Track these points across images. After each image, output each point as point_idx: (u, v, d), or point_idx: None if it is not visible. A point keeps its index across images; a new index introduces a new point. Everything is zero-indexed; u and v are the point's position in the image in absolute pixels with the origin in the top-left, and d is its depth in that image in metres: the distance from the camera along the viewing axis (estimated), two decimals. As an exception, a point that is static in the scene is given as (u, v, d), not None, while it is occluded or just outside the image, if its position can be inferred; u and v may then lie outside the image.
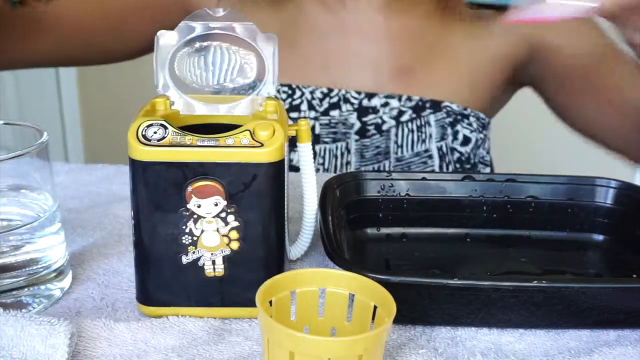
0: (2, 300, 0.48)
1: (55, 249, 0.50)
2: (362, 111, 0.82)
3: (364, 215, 0.60)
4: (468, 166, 0.83)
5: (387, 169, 0.82)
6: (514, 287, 0.45)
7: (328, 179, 0.58)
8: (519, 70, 0.85)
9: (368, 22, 0.84)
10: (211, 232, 0.46)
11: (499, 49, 0.84)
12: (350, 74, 0.83)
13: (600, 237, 0.60)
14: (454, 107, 0.82)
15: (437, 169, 0.81)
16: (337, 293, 0.43)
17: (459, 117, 0.82)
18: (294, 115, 0.81)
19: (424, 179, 0.60)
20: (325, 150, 0.81)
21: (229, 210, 0.46)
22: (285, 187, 0.48)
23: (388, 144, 0.82)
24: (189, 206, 0.45)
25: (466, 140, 0.82)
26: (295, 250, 0.55)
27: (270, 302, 0.42)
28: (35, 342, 0.42)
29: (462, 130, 0.82)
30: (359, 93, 0.82)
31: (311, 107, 0.82)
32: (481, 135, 0.84)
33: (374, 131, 0.82)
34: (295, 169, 0.58)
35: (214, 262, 0.47)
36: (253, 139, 0.45)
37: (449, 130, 0.81)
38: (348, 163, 0.82)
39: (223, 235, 0.46)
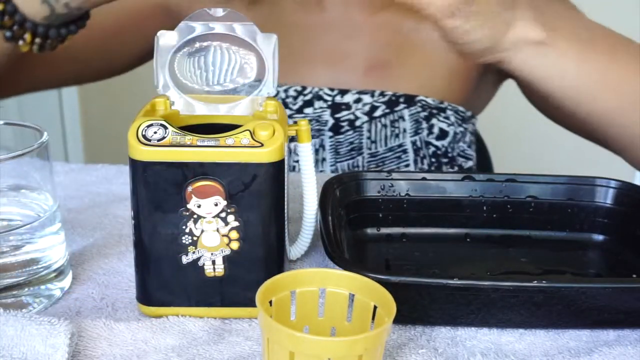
0: (2, 300, 0.48)
1: (56, 249, 0.50)
2: (335, 108, 0.82)
3: (364, 215, 0.60)
4: (445, 160, 0.83)
5: (360, 164, 0.82)
6: (514, 287, 0.45)
7: (328, 179, 0.58)
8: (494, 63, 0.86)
9: (342, 18, 0.84)
10: (211, 232, 0.46)
11: None
12: (323, 71, 0.84)
13: (600, 237, 0.60)
14: (429, 101, 0.82)
15: (411, 163, 0.82)
16: (337, 293, 0.43)
17: (434, 111, 0.82)
18: None
19: (424, 179, 0.60)
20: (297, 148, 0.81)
21: (229, 210, 0.46)
22: (285, 187, 0.48)
23: (361, 139, 0.82)
24: (189, 206, 0.45)
25: (443, 134, 0.82)
26: (295, 250, 0.55)
27: (270, 302, 0.42)
28: (35, 342, 0.42)
29: (438, 124, 0.82)
30: (332, 90, 0.82)
31: (285, 105, 0.82)
32: (460, 129, 0.84)
33: (347, 127, 0.82)
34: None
35: (214, 262, 0.47)
36: (253, 139, 0.45)
37: (424, 125, 0.81)
38: (323, 160, 0.83)
39: (223, 235, 0.46)
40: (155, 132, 0.45)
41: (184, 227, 0.46)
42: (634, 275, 0.55)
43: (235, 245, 0.47)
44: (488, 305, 0.47)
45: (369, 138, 0.82)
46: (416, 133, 0.81)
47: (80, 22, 0.63)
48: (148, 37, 0.57)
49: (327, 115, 0.82)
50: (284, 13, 0.85)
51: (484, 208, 0.60)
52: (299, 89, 0.83)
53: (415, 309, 0.47)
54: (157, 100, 0.49)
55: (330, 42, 0.85)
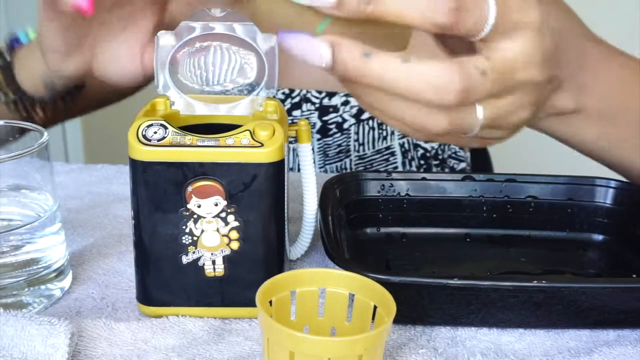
0: (2, 300, 0.48)
1: (56, 248, 0.50)
2: (322, 110, 0.82)
3: (364, 215, 0.60)
4: (436, 162, 0.83)
5: (348, 167, 0.82)
6: (514, 287, 0.45)
7: (328, 179, 0.58)
8: None
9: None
10: (211, 232, 0.46)
11: None
12: (311, 74, 0.83)
13: (600, 237, 0.60)
14: None
15: (400, 165, 0.82)
16: (337, 293, 0.43)
17: None
18: None
19: (424, 179, 0.60)
20: (292, 150, 0.81)
21: (229, 210, 0.46)
22: (285, 187, 0.48)
23: (349, 142, 0.82)
24: (189, 206, 0.45)
25: None
26: (295, 250, 0.55)
27: (270, 302, 0.42)
28: (35, 342, 0.42)
29: None
30: (319, 92, 0.82)
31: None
32: None
33: (335, 130, 0.82)
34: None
35: (214, 262, 0.47)
36: (253, 139, 0.45)
37: None
38: (312, 162, 0.83)
39: (223, 235, 0.46)
40: (155, 132, 0.45)
41: (184, 227, 0.46)
42: (634, 275, 0.55)
43: (235, 245, 0.47)
44: (488, 305, 0.47)
45: (356, 140, 0.82)
46: (404, 135, 0.81)
47: (75, 92, 0.68)
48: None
49: (314, 118, 0.82)
50: (267, 14, 0.84)
51: (484, 208, 0.60)
52: (287, 91, 0.83)
53: (415, 309, 0.47)
54: (157, 100, 0.49)
55: None
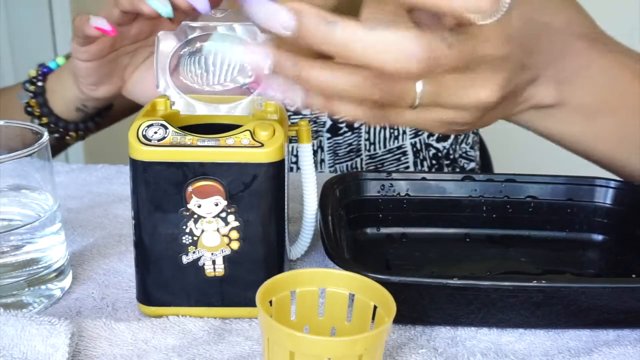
0: (2, 300, 0.48)
1: (56, 248, 0.50)
2: None
3: (364, 215, 0.60)
4: (447, 162, 0.83)
5: (359, 166, 0.82)
6: (514, 287, 0.45)
7: (328, 179, 0.58)
8: None
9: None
10: (211, 232, 0.46)
11: None
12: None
13: (600, 237, 0.60)
14: None
15: (411, 165, 0.81)
16: (337, 293, 0.43)
17: None
18: None
19: (423, 179, 0.60)
20: (292, 150, 0.81)
21: (229, 210, 0.46)
22: (286, 187, 0.48)
23: (359, 141, 0.82)
24: (189, 206, 0.45)
25: (445, 136, 0.82)
26: (295, 250, 0.55)
27: (271, 302, 0.42)
28: (35, 342, 0.42)
29: None
30: None
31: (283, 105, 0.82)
32: None
33: (345, 129, 0.82)
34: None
35: (214, 262, 0.47)
36: (253, 139, 0.45)
37: None
38: (322, 161, 0.82)
39: (223, 235, 0.46)
40: (155, 132, 0.45)
41: (184, 227, 0.46)
42: (634, 275, 0.55)
43: (235, 245, 0.47)
44: (488, 305, 0.47)
45: (367, 139, 0.82)
46: (416, 135, 0.81)
47: (104, 112, 0.74)
48: None
49: (324, 117, 0.82)
50: None
51: (484, 208, 0.60)
52: None
53: (415, 309, 0.47)
54: (157, 100, 0.49)
55: None
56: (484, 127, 0.47)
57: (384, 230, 0.60)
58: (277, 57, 0.38)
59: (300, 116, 0.82)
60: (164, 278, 0.47)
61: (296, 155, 0.80)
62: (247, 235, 0.46)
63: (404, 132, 0.81)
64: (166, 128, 0.45)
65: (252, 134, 0.45)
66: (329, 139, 0.82)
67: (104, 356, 0.44)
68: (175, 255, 0.47)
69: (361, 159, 0.82)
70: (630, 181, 0.60)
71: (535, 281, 0.45)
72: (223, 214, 0.46)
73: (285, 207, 0.48)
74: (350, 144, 0.82)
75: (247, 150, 0.45)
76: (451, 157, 0.83)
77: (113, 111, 0.76)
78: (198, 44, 0.49)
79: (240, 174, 0.45)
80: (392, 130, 0.81)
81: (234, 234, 0.46)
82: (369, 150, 0.82)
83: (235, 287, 0.48)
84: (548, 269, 0.56)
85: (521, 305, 0.46)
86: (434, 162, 0.82)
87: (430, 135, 0.81)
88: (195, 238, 0.46)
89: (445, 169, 0.83)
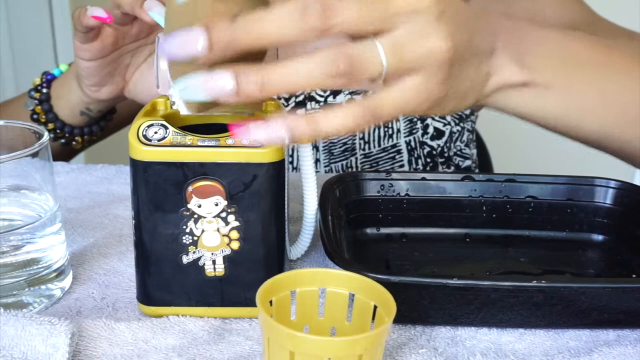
0: (2, 300, 0.48)
1: (56, 248, 0.50)
2: None
3: (364, 215, 0.60)
4: (442, 160, 0.83)
5: (354, 165, 0.82)
6: (514, 287, 0.45)
7: (328, 179, 0.59)
8: None
9: None
10: (211, 232, 0.46)
11: None
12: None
13: (600, 237, 0.60)
14: None
15: (406, 164, 0.81)
16: (337, 293, 0.43)
17: None
18: None
19: (423, 179, 0.60)
20: (293, 149, 0.81)
21: (229, 210, 0.46)
22: (286, 187, 0.48)
23: (354, 140, 0.82)
24: (189, 206, 0.45)
25: (439, 134, 0.82)
26: (295, 250, 0.55)
27: (271, 302, 0.42)
28: (36, 342, 0.42)
29: (434, 123, 0.82)
30: (324, 91, 0.82)
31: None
32: (457, 128, 0.83)
33: None
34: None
35: (214, 262, 0.47)
36: (253, 139, 0.45)
37: (419, 124, 0.81)
38: (317, 160, 0.83)
39: (223, 235, 0.46)
40: (155, 132, 0.45)
41: (184, 227, 0.46)
42: (634, 275, 0.55)
43: (235, 245, 0.47)
44: (488, 305, 0.47)
45: (362, 138, 0.82)
46: (410, 133, 0.81)
47: (108, 117, 0.75)
48: None
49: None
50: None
51: (484, 208, 0.60)
52: None
53: (415, 309, 0.47)
54: (157, 100, 0.49)
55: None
56: (465, 104, 0.47)
57: (384, 230, 0.60)
58: (239, 71, 0.38)
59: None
60: (164, 278, 0.47)
61: (291, 155, 0.80)
62: (247, 235, 0.46)
63: (398, 131, 0.81)
64: (166, 128, 0.45)
65: (252, 134, 0.45)
66: (323, 139, 0.82)
67: (104, 356, 0.44)
68: (175, 255, 0.47)
69: (356, 158, 0.82)
70: (632, 162, 0.60)
71: (535, 281, 0.45)
72: (223, 214, 0.46)
73: (285, 207, 0.48)
74: (344, 143, 0.82)
75: (247, 150, 0.45)
76: (446, 155, 0.83)
77: (117, 116, 0.76)
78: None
79: (240, 174, 0.45)
80: (386, 129, 0.81)
81: (234, 234, 0.46)
82: (363, 149, 0.82)
83: (235, 287, 0.48)
84: (548, 269, 0.56)
85: (521, 305, 0.46)
86: (428, 160, 0.82)
87: (425, 133, 0.81)
88: (195, 238, 0.46)
89: (440, 167, 0.83)
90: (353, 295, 0.43)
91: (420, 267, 0.56)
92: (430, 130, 0.82)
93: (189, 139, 0.45)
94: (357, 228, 0.59)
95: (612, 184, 0.60)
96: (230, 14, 0.38)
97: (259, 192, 0.46)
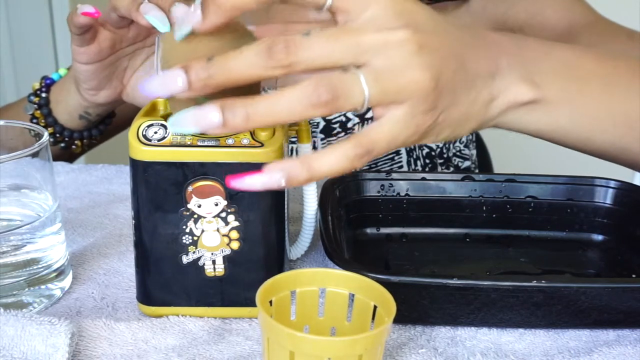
0: (2, 300, 0.48)
1: (56, 248, 0.50)
2: None
3: (364, 215, 0.60)
4: (441, 160, 0.83)
5: None
6: (514, 287, 0.45)
7: (328, 179, 0.58)
8: None
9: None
10: (211, 232, 0.46)
11: None
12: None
13: (600, 237, 0.60)
14: None
15: (405, 164, 0.81)
16: (337, 293, 0.43)
17: None
18: None
19: (423, 179, 0.60)
20: (292, 150, 0.81)
21: (229, 210, 0.46)
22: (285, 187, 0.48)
23: None
24: (189, 206, 0.45)
25: None
26: (295, 250, 0.55)
27: (271, 302, 0.42)
28: (35, 342, 0.42)
29: None
30: None
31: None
32: None
33: (338, 129, 0.82)
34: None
35: (214, 262, 0.47)
36: (253, 139, 0.45)
37: None
38: None
39: (223, 235, 0.46)
40: (155, 132, 0.45)
41: (184, 227, 0.46)
42: (634, 275, 0.55)
43: (235, 245, 0.47)
44: (488, 305, 0.47)
45: None
46: None
47: (107, 120, 0.75)
48: None
49: (318, 117, 0.82)
50: (273, 14, 0.85)
51: (484, 208, 0.60)
52: None
53: (415, 309, 0.47)
54: (157, 100, 0.49)
55: None
56: (464, 130, 0.47)
57: (384, 230, 0.60)
58: (225, 105, 0.39)
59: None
60: (164, 278, 0.47)
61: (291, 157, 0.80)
62: (247, 235, 0.46)
63: None
64: (166, 128, 0.45)
65: (252, 134, 0.45)
66: (322, 139, 0.82)
67: (104, 356, 0.44)
68: (175, 255, 0.47)
69: None
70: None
71: (535, 281, 0.45)
72: (223, 214, 0.46)
73: (285, 207, 0.48)
74: None
75: (247, 150, 0.45)
76: (445, 155, 0.83)
77: (117, 120, 0.76)
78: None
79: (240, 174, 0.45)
80: None
81: (234, 234, 0.46)
82: None
83: (235, 287, 0.48)
84: (548, 269, 0.56)
85: (521, 305, 0.46)
86: (427, 161, 0.82)
87: None
88: (195, 238, 0.46)
89: (439, 168, 0.83)
90: (353, 295, 0.43)
91: (420, 267, 0.56)
92: None
93: (189, 138, 0.45)
94: (357, 228, 0.59)
95: (612, 184, 0.60)
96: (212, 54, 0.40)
97: (258, 192, 0.45)
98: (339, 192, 0.58)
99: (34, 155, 0.47)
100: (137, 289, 0.49)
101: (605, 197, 0.60)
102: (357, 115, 0.81)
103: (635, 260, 0.56)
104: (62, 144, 0.73)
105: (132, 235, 0.48)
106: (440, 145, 0.82)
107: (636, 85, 0.54)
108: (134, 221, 0.47)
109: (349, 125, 0.81)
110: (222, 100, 0.39)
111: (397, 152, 0.81)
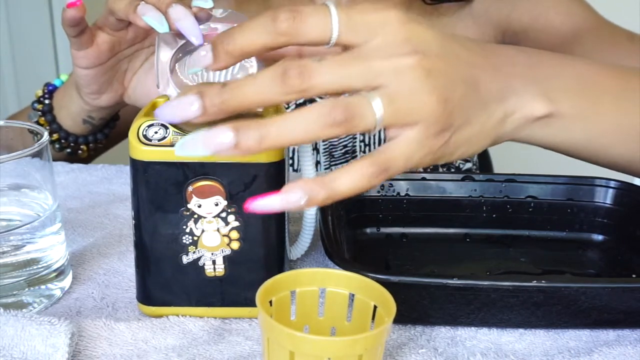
0: (2, 300, 0.48)
1: (56, 248, 0.50)
2: None
3: (364, 215, 0.60)
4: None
5: None
6: (514, 287, 0.45)
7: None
8: None
9: None
10: (211, 232, 0.46)
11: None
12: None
13: (600, 237, 0.60)
14: None
15: None
16: (337, 293, 0.43)
17: None
18: None
19: (423, 179, 0.60)
20: (294, 150, 0.81)
21: (229, 210, 0.46)
22: (286, 187, 0.48)
23: (354, 142, 0.82)
24: (189, 206, 0.45)
25: None
26: (295, 250, 0.55)
27: (271, 302, 0.42)
28: (35, 342, 0.42)
29: None
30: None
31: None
32: None
33: None
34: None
35: (214, 262, 0.47)
36: (253, 139, 0.45)
37: None
38: (318, 162, 0.83)
39: (223, 235, 0.46)
40: (156, 132, 0.45)
41: (184, 227, 0.46)
42: (634, 275, 0.55)
43: (235, 245, 0.47)
44: (488, 305, 0.47)
45: (362, 141, 0.82)
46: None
47: (112, 124, 0.75)
48: None
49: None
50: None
51: (484, 208, 0.60)
52: None
53: (415, 309, 0.47)
54: (158, 100, 0.49)
55: None
56: (477, 147, 0.47)
57: (384, 230, 0.60)
58: (239, 127, 0.39)
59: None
60: (164, 278, 0.47)
61: (292, 157, 0.80)
62: (247, 235, 0.46)
63: None
64: (166, 128, 0.45)
65: (252, 134, 0.45)
66: (324, 141, 0.82)
67: (104, 356, 0.44)
68: (175, 255, 0.47)
69: None
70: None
71: (535, 281, 0.45)
72: (223, 214, 0.46)
73: (286, 207, 0.48)
74: (345, 146, 0.82)
75: (247, 150, 0.45)
76: None
77: (122, 123, 0.76)
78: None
79: (240, 174, 0.45)
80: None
81: (234, 234, 0.46)
82: (364, 152, 0.82)
83: (235, 287, 0.48)
84: (548, 269, 0.56)
85: (521, 305, 0.46)
86: None
87: None
88: (195, 238, 0.46)
89: (440, 169, 0.83)
90: (353, 295, 0.43)
91: (420, 267, 0.56)
92: None
93: (189, 138, 0.45)
94: (357, 228, 0.59)
95: (612, 184, 0.60)
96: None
97: (259, 192, 0.45)
98: (339, 192, 0.58)
99: (34, 155, 0.47)
100: (137, 289, 0.49)
101: (605, 197, 0.60)
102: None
103: (635, 260, 0.56)
104: (68, 150, 0.73)
105: (132, 235, 0.48)
106: None
107: None
108: (134, 221, 0.47)
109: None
110: (235, 122, 0.39)
111: None
